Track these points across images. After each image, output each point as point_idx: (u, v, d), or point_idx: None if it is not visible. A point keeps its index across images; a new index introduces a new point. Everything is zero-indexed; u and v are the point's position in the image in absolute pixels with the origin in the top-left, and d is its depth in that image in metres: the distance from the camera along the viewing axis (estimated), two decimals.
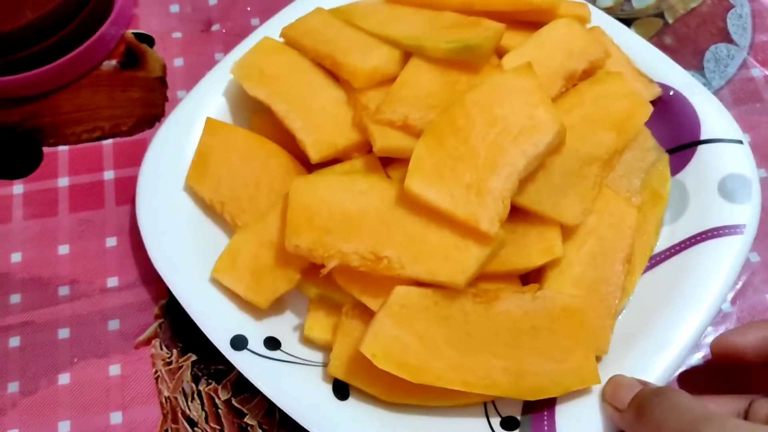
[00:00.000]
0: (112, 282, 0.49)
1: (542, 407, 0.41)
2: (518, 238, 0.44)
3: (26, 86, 0.55)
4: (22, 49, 0.54)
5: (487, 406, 0.42)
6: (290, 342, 0.45)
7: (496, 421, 0.42)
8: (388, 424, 0.41)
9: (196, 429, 0.45)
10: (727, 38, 0.60)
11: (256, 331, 0.44)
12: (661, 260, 0.47)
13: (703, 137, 0.49)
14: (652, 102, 0.50)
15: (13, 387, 0.46)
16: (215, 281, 0.45)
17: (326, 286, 0.44)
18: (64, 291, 0.49)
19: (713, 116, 0.50)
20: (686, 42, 0.59)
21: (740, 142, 0.48)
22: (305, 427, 0.40)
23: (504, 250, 0.43)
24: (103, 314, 0.48)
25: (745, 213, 0.46)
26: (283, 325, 0.45)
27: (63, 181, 0.53)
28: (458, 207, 0.41)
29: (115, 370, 0.46)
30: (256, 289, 0.44)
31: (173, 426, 0.45)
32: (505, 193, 0.41)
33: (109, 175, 0.53)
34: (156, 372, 0.46)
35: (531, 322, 0.41)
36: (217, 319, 0.44)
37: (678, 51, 0.59)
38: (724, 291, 0.44)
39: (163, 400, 0.46)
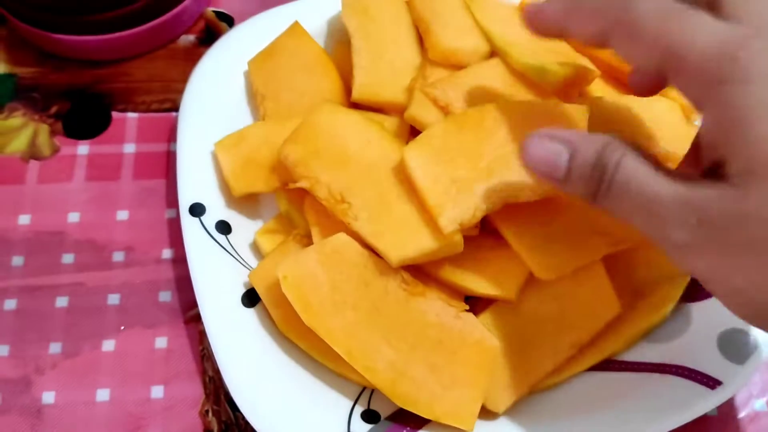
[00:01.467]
0: (167, 253, 0.48)
1: (408, 422, 0.40)
2: (484, 261, 0.42)
3: (102, 49, 0.55)
4: (102, 11, 0.53)
5: (364, 391, 0.41)
6: (239, 237, 0.46)
7: (359, 409, 0.41)
8: (262, 351, 0.41)
9: (238, 413, 0.43)
10: None
11: (217, 210, 0.46)
12: (619, 368, 0.43)
13: None
14: None
15: (55, 347, 0.45)
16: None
17: (295, 205, 0.45)
18: (118, 257, 0.48)
19: None
20: None
21: None
22: (201, 312, 0.42)
23: (466, 265, 0.42)
24: (155, 285, 0.47)
25: (729, 372, 0.42)
26: (244, 224, 0.47)
27: (129, 147, 0.52)
28: (433, 193, 0.40)
29: (161, 342, 0.45)
30: (238, 175, 0.46)
31: (214, 407, 0.43)
32: (483, 205, 0.40)
33: (175, 146, 0.52)
34: (203, 349, 0.45)
35: (441, 336, 0.40)
36: (191, 185, 0.46)
37: None
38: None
39: (207, 380, 0.44)
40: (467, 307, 0.41)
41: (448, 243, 0.39)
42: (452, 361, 0.40)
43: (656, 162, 0.32)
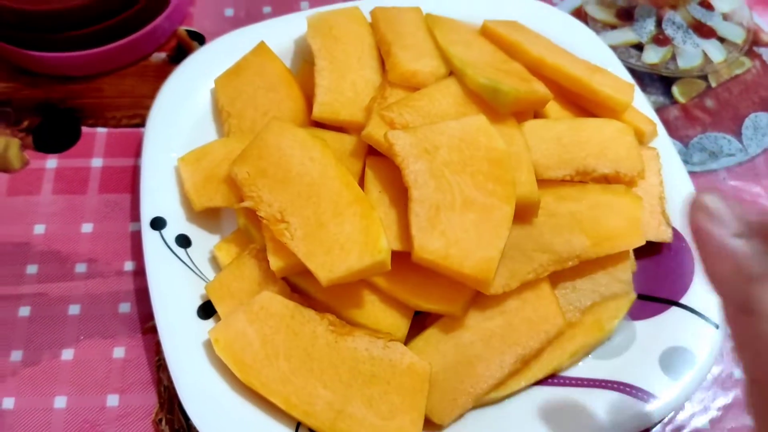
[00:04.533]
0: (129, 266, 0.50)
1: None
2: (432, 277, 0.42)
3: (74, 66, 0.56)
4: (75, 28, 0.55)
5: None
6: (199, 251, 0.47)
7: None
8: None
9: (191, 422, 0.44)
10: None
11: (178, 224, 0.47)
12: (563, 384, 0.44)
13: (682, 301, 0.46)
14: (658, 245, 0.48)
15: (16, 355, 0.46)
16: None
17: (252, 220, 0.46)
18: (80, 268, 0.49)
19: (707, 290, 0.43)
20: (727, 107, 0.59)
21: (716, 326, 0.45)
22: (157, 324, 0.43)
23: (414, 281, 0.43)
24: (115, 296, 0.48)
25: (665, 387, 0.43)
26: (205, 238, 0.48)
27: (97, 162, 0.54)
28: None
29: (119, 353, 0.46)
30: (199, 189, 0.48)
31: (168, 416, 0.45)
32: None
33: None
34: (159, 360, 0.46)
35: (373, 369, 0.41)
36: (154, 199, 0.48)
37: (718, 115, 0.59)
38: None
39: (162, 389, 0.45)
40: (393, 337, 0.43)
41: (375, 262, 0.40)
42: (387, 391, 0.41)
43: None
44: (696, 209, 0.28)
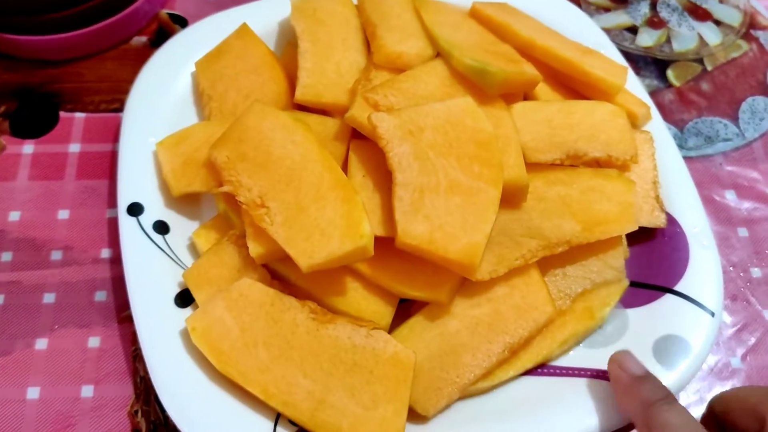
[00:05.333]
0: (106, 253, 0.48)
1: None
2: (418, 263, 0.41)
3: (53, 49, 0.55)
4: (54, 11, 0.54)
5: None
6: (178, 237, 0.46)
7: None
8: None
9: (167, 414, 0.43)
10: (766, 92, 0.58)
11: (156, 210, 0.46)
12: (553, 374, 0.43)
13: (677, 288, 0.45)
14: (652, 230, 0.47)
15: None
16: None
17: (232, 205, 0.44)
18: (56, 255, 0.48)
19: (703, 277, 0.45)
20: (723, 91, 0.58)
21: (712, 314, 0.44)
22: (133, 313, 0.42)
23: (399, 268, 0.42)
24: (91, 284, 0.47)
25: (659, 377, 0.40)
26: (184, 224, 0.47)
27: (74, 147, 0.52)
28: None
29: (94, 342, 0.45)
30: (178, 174, 0.46)
31: (144, 408, 0.43)
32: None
33: None
34: (135, 350, 0.45)
35: (355, 358, 0.40)
36: (131, 184, 0.46)
37: (714, 98, 0.58)
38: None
39: (138, 380, 0.44)
40: (376, 325, 0.41)
41: (357, 248, 0.39)
42: (370, 380, 0.39)
43: None
44: (611, 362, 0.40)
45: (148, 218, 0.46)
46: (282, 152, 0.43)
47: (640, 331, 0.44)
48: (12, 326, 0.45)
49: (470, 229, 0.40)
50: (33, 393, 0.43)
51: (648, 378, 0.38)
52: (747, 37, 0.61)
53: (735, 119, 0.57)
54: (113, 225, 0.49)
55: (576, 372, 0.43)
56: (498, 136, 0.43)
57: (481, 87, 0.46)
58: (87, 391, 0.43)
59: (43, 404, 0.43)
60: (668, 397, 0.36)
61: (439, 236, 0.40)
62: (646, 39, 0.60)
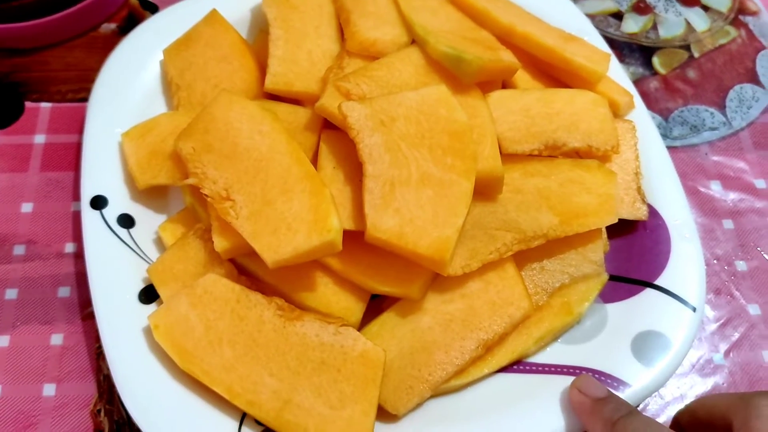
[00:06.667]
0: (70, 248, 0.47)
1: None
2: (389, 258, 0.40)
3: (17, 37, 0.53)
4: None
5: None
6: (144, 231, 0.45)
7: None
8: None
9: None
10: (754, 79, 0.57)
11: (120, 204, 0.45)
12: (529, 371, 0.42)
13: (657, 282, 0.43)
14: (633, 223, 0.45)
15: None
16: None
17: (198, 198, 0.43)
18: (19, 250, 0.46)
19: (685, 270, 0.44)
20: (710, 78, 0.56)
21: (694, 309, 0.42)
22: (95, 309, 0.40)
23: (370, 262, 0.40)
24: (55, 280, 0.46)
25: (637, 374, 0.40)
26: (150, 218, 0.45)
27: (39, 138, 0.51)
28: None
29: (57, 339, 0.44)
30: (143, 166, 0.45)
31: (107, 407, 0.42)
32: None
33: None
34: (99, 347, 0.43)
35: (322, 356, 0.38)
36: (95, 177, 0.45)
37: (701, 86, 0.56)
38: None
39: (102, 378, 0.43)
40: (346, 321, 0.40)
41: (324, 242, 0.37)
42: (337, 379, 0.38)
43: None
44: (572, 388, 0.39)
45: (112, 212, 0.44)
46: (249, 143, 0.41)
47: (619, 326, 0.43)
48: None
49: (441, 223, 0.38)
50: None
51: (610, 398, 0.37)
52: (735, 23, 0.59)
53: (722, 107, 0.55)
54: (78, 219, 0.47)
55: (552, 369, 0.42)
56: (473, 126, 0.42)
57: (456, 75, 0.45)
58: (49, 389, 0.42)
59: (3, 403, 0.42)
60: (632, 412, 0.36)
61: (409, 230, 0.38)
62: (632, 25, 0.59)
